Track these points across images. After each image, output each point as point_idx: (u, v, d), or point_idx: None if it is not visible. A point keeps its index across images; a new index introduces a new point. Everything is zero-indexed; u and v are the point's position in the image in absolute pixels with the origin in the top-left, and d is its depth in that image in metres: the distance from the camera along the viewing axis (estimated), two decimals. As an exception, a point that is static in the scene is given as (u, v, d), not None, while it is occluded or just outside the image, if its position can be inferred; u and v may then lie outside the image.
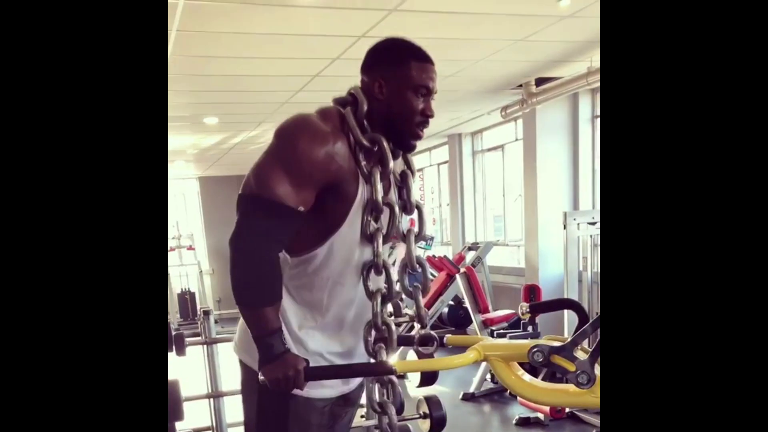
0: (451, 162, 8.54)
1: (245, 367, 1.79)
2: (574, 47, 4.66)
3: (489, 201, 8.33)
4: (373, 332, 1.67)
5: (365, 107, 1.64)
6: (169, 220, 6.68)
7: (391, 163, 1.65)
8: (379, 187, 1.62)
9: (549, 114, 6.14)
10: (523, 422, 4.61)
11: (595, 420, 4.38)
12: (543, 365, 1.66)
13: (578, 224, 4.94)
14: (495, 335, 5.22)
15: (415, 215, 1.73)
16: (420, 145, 8.75)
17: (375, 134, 1.63)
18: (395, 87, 1.63)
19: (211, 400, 3.01)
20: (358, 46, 4.22)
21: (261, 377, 1.61)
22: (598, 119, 6.16)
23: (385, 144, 1.63)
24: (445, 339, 1.95)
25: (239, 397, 1.84)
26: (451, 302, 7.11)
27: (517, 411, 4.84)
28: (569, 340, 1.68)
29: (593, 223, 5.01)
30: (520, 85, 5.68)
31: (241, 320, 1.81)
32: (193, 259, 10.90)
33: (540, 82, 5.56)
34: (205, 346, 2.99)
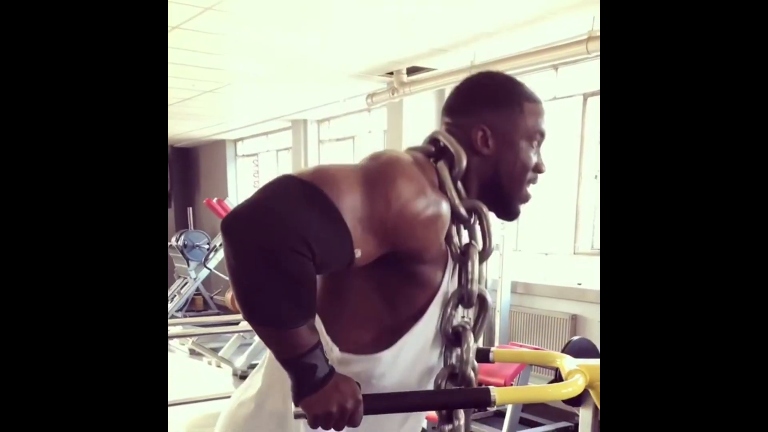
0: (294, 150, 7.92)
1: None
2: (458, 36, 4.30)
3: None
4: None
5: (464, 164, 1.22)
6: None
7: (493, 242, 1.27)
8: (477, 274, 1.24)
9: (415, 106, 5.78)
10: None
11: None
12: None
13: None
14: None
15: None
16: (257, 128, 7.98)
17: (474, 202, 1.24)
18: (506, 137, 1.24)
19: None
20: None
21: (297, 410, 1.11)
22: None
23: (487, 215, 1.25)
24: (491, 354, 1.55)
25: (192, 406, 1.24)
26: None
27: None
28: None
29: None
30: (390, 73, 5.27)
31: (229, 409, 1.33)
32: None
33: (410, 72, 5.20)
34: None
